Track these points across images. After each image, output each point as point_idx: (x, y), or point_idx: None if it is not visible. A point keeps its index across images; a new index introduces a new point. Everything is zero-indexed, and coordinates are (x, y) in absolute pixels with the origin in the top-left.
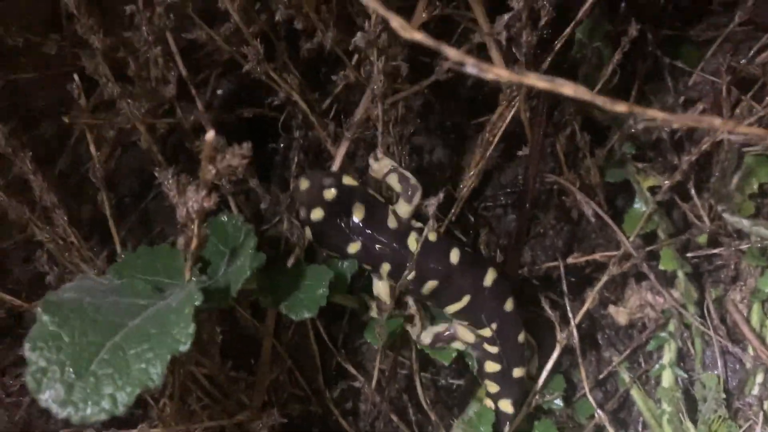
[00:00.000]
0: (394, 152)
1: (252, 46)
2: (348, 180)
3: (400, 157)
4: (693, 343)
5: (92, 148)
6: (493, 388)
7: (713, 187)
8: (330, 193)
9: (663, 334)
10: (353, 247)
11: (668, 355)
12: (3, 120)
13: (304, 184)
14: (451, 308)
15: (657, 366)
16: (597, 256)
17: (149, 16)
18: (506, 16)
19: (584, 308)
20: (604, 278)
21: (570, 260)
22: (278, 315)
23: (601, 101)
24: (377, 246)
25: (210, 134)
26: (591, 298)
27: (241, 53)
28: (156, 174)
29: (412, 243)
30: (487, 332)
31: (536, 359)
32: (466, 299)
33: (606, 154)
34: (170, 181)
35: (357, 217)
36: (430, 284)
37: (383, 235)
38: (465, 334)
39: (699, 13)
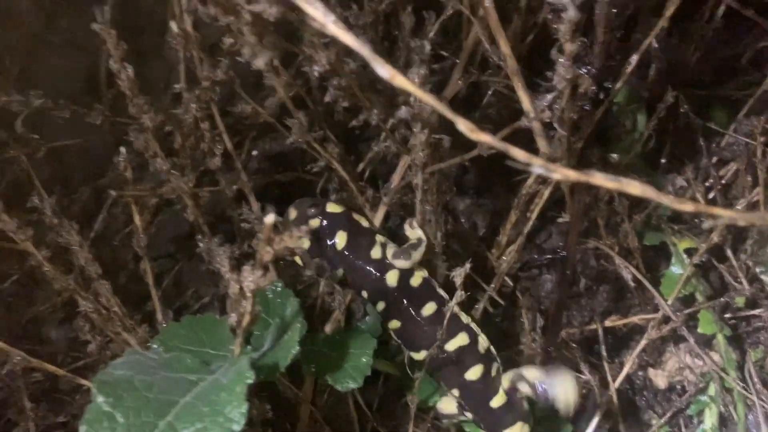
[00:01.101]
0: (431, 219)
1: (296, 119)
2: (332, 207)
3: (437, 224)
4: (735, 408)
5: (136, 219)
6: None
7: (750, 249)
8: (315, 222)
9: (703, 398)
10: (337, 274)
11: (709, 419)
12: (46, 188)
13: (292, 213)
14: (416, 356)
15: (698, 430)
16: (635, 319)
17: (198, 93)
18: (549, 96)
19: (624, 372)
20: (643, 342)
21: (608, 323)
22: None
23: (668, 200)
24: (358, 273)
25: (270, 218)
26: (630, 361)
27: (283, 124)
28: (200, 244)
29: (392, 278)
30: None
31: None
32: (423, 353)
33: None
34: (222, 257)
35: (339, 245)
36: (394, 323)
37: (364, 262)
38: (447, 404)
39: (729, 72)
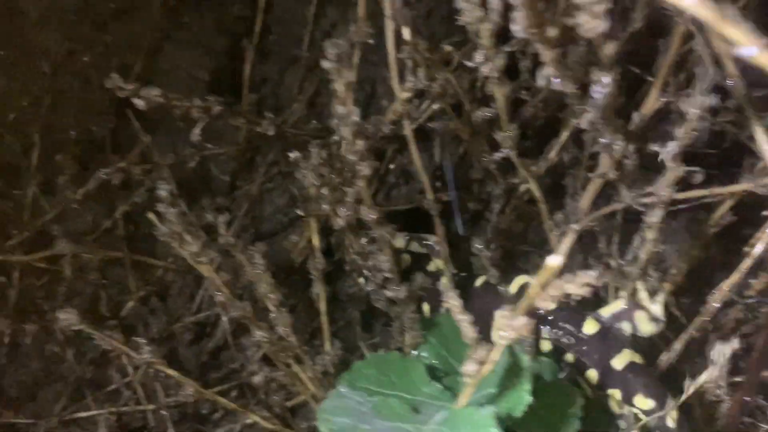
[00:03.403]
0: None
1: (508, 132)
2: None
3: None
4: None
5: (314, 239)
6: None
7: None
8: None
9: None
10: None
11: None
12: (195, 200)
13: None
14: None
15: None
16: None
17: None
18: None
19: None
20: None
21: None
22: None
23: None
24: None
25: (555, 259)
26: None
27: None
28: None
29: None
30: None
31: None
32: None
33: None
34: (455, 301)
35: None
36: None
37: None
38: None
39: None
